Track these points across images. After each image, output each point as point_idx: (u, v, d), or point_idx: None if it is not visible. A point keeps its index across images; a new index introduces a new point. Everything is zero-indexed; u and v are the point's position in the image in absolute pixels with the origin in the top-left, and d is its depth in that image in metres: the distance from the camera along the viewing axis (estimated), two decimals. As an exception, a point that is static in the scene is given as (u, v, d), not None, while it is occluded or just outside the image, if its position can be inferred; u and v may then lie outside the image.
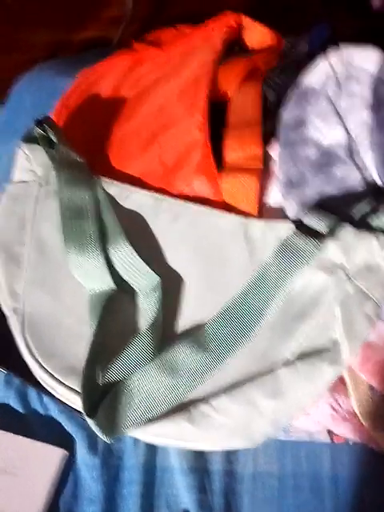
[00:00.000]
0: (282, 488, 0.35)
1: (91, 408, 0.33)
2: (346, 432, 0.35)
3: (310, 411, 0.35)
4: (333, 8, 0.62)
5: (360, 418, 0.34)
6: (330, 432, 0.36)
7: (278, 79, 0.48)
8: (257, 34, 0.54)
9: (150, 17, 0.95)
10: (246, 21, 0.54)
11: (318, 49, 0.49)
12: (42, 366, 0.37)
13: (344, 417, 0.34)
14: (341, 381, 0.35)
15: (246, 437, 0.33)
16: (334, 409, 0.35)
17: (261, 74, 0.49)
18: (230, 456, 0.37)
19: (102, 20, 0.97)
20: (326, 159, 0.39)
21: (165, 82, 0.51)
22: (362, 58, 0.40)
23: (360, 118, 0.39)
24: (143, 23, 0.94)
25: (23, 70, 0.67)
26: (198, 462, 0.37)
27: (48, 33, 0.92)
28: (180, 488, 0.36)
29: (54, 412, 0.39)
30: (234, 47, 0.55)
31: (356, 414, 0.34)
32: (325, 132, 0.39)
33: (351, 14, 0.60)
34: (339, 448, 0.35)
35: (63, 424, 0.39)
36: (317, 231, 0.35)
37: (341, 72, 0.40)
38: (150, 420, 0.33)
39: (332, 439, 0.36)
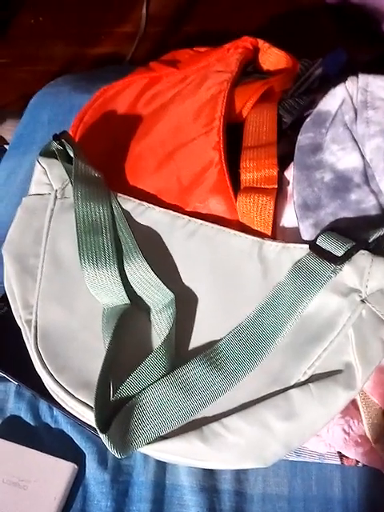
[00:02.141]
0: (292, 510, 0.35)
1: (104, 424, 0.33)
2: (357, 455, 0.35)
3: (321, 434, 0.35)
4: (347, 34, 0.64)
5: (372, 441, 0.34)
6: (340, 454, 0.35)
7: (293, 102, 0.49)
8: (272, 57, 0.55)
9: (163, 34, 0.97)
10: (262, 43, 0.55)
11: (334, 74, 0.50)
12: (54, 379, 0.37)
13: (356, 440, 0.34)
14: (353, 404, 0.35)
15: (258, 457, 0.33)
16: (345, 432, 0.35)
17: (276, 94, 0.50)
18: (239, 476, 0.36)
19: (116, 36, 0.99)
20: (342, 183, 0.39)
21: (181, 100, 0.52)
22: (378, 86, 0.41)
23: (375, 144, 0.39)
24: (157, 40, 0.96)
25: (38, 82, 0.69)
26: (208, 480, 0.36)
27: (64, 47, 0.94)
28: (189, 507, 0.36)
29: (65, 425, 0.39)
30: (249, 68, 0.56)
31: (368, 437, 0.34)
32: (341, 156, 0.40)
33: (365, 41, 0.61)
34: (349, 471, 0.35)
35: (73, 438, 0.39)
36: (332, 254, 0.36)
37: (358, 99, 0.41)
38: (162, 437, 0.33)
39: (342, 462, 0.36)
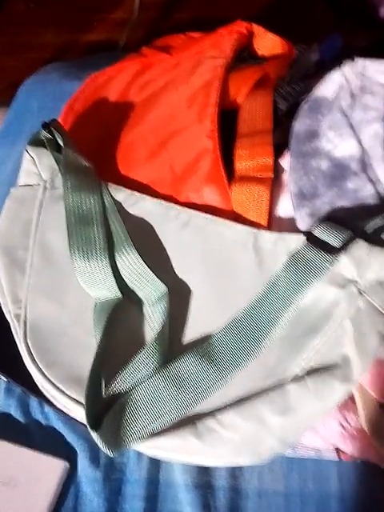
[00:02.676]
0: (288, 506, 0.34)
1: (95, 420, 0.32)
2: (354, 450, 0.34)
3: (318, 428, 0.34)
4: (343, 19, 0.62)
5: (369, 435, 0.33)
6: (337, 450, 0.35)
7: (289, 88, 0.48)
8: (267, 42, 0.54)
9: (156, 21, 0.95)
10: (257, 28, 0.54)
11: (330, 59, 0.49)
12: (44, 375, 0.36)
13: (352, 434, 0.34)
14: (350, 398, 0.34)
15: (253, 453, 0.33)
16: (342, 426, 0.34)
17: (271, 81, 0.49)
18: (235, 472, 0.36)
19: (108, 22, 0.97)
20: (339, 171, 0.38)
21: (174, 87, 0.51)
22: (376, 71, 0.40)
23: (373, 131, 0.38)
24: (149, 27, 0.94)
25: (29, 70, 0.67)
26: (203, 477, 0.36)
27: (56, 34, 0.92)
28: (184, 504, 0.35)
29: (56, 422, 0.39)
30: (244, 54, 0.55)
31: (365, 431, 0.34)
32: (337, 144, 0.39)
33: (361, 26, 0.59)
34: (346, 466, 0.35)
35: (65, 435, 0.38)
36: (329, 245, 0.35)
37: (355, 84, 0.40)
38: (155, 434, 0.33)
39: (339, 456, 0.35)
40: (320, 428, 0.34)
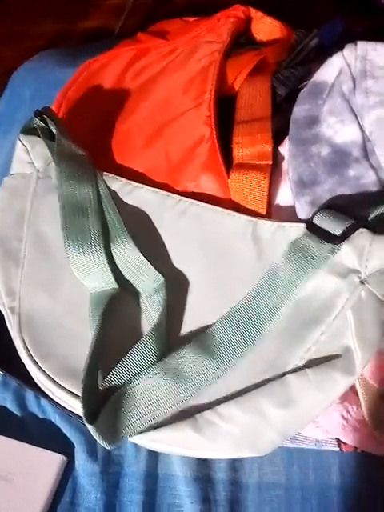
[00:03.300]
0: (289, 499, 0.34)
1: (91, 414, 0.31)
2: (356, 441, 0.34)
3: (319, 420, 0.34)
4: (344, 4, 0.61)
5: (371, 427, 0.33)
6: (338, 441, 0.34)
7: (288, 73, 0.47)
8: (265, 27, 0.53)
9: (152, 8, 0.94)
10: (255, 13, 0.53)
11: (330, 44, 0.48)
12: (39, 368, 0.35)
13: (354, 426, 0.33)
14: (351, 389, 0.34)
15: (253, 446, 0.32)
16: (344, 418, 0.34)
17: (270, 66, 0.48)
18: (234, 464, 0.35)
19: (103, 9, 0.95)
20: (340, 158, 0.37)
21: (170, 73, 0.50)
22: (378, 54, 0.39)
23: (375, 116, 0.37)
24: (145, 14, 0.92)
25: (24, 59, 0.66)
26: (202, 470, 0.35)
27: (50, 22, 0.91)
28: (183, 497, 0.35)
29: (53, 416, 0.38)
30: (241, 39, 0.54)
31: (366, 423, 0.33)
32: (338, 130, 0.38)
33: (361, 12, 0.58)
34: (347, 457, 0.34)
35: (62, 428, 0.38)
36: (330, 233, 0.34)
37: (356, 68, 0.39)
38: (154, 426, 0.32)
39: (340, 448, 0.34)
40: (321, 419, 0.34)
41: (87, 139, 0.46)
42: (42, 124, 0.43)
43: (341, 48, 0.41)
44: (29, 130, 0.43)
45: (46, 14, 0.93)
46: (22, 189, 0.42)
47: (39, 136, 0.43)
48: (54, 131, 0.42)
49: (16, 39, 0.92)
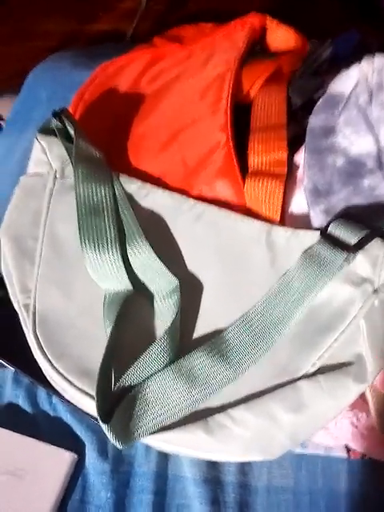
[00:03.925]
0: (297, 503, 0.34)
1: (106, 413, 0.32)
2: (364, 448, 0.34)
3: (328, 426, 0.34)
4: (360, 16, 0.61)
5: (380, 432, 0.33)
6: (346, 447, 0.35)
7: (303, 82, 0.47)
8: (281, 36, 0.53)
9: (164, 12, 0.94)
10: (270, 21, 0.53)
11: (345, 55, 0.48)
12: (53, 366, 0.36)
13: (363, 433, 0.34)
14: (361, 396, 0.34)
15: (264, 450, 0.32)
16: (353, 425, 0.34)
17: (285, 75, 0.49)
18: (244, 467, 0.36)
19: (115, 12, 0.95)
20: (355, 168, 0.38)
21: (186, 78, 0.50)
22: (395, 67, 0.39)
23: (391, 130, 0.38)
24: (158, 18, 0.93)
25: (33, 59, 0.66)
26: (212, 472, 0.36)
27: (61, 23, 0.91)
28: (192, 498, 0.35)
29: (64, 414, 0.38)
30: (256, 48, 0.54)
31: (376, 430, 0.33)
32: (354, 140, 0.39)
33: (363, 15, 0.59)
34: (356, 464, 0.35)
35: (73, 426, 0.38)
36: (344, 242, 0.35)
37: (373, 80, 0.39)
38: (165, 428, 0.32)
39: (349, 455, 0.35)
40: (331, 426, 0.34)
41: (102, 141, 0.46)
42: (59, 125, 0.43)
43: (357, 59, 0.42)
44: (46, 131, 0.43)
45: (53, 14, 0.93)
46: (38, 188, 0.42)
47: (57, 136, 0.43)
48: (72, 132, 0.43)
49: (23, 38, 0.92)
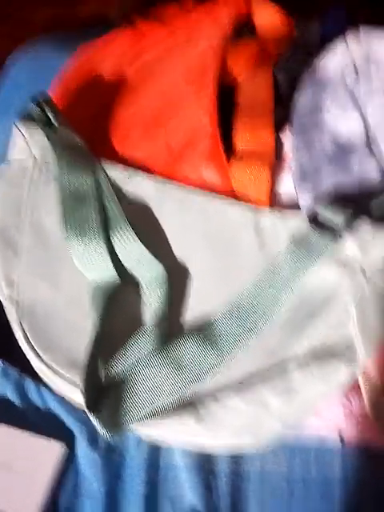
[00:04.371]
0: (291, 490, 0.34)
1: (93, 403, 0.31)
2: (358, 434, 0.34)
3: (321, 413, 0.34)
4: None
5: (373, 420, 0.33)
6: (340, 434, 0.34)
7: (290, 63, 0.46)
8: (267, 16, 0.52)
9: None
10: (256, 1, 0.52)
11: (334, 32, 0.47)
12: (40, 358, 0.35)
13: (357, 420, 0.33)
14: (354, 382, 0.34)
15: (255, 436, 0.32)
16: (346, 411, 0.34)
17: (271, 57, 0.48)
18: (237, 455, 0.36)
19: (99, -5, 0.93)
20: (342, 148, 0.37)
21: (169, 61, 0.49)
22: (381, 43, 0.38)
23: (378, 105, 0.37)
24: (142, 0, 0.91)
25: (18, 45, 0.64)
26: (204, 460, 0.35)
27: (46, 8, 0.89)
28: (185, 487, 0.35)
29: (53, 405, 0.38)
30: (243, 29, 0.53)
31: (369, 416, 0.33)
32: (341, 119, 0.38)
33: (365, 2, 0.57)
34: (350, 452, 0.34)
35: (62, 417, 0.38)
36: (331, 223, 0.34)
37: (359, 57, 0.38)
38: (155, 416, 0.32)
39: (343, 442, 0.35)
40: (324, 413, 0.34)
41: (85, 127, 0.45)
42: (39, 111, 0.42)
43: (344, 36, 0.41)
44: (26, 117, 0.42)
45: (41, 1, 0.91)
46: (19, 177, 0.41)
47: (37, 122, 0.42)
48: (52, 118, 0.42)
49: (6, 24, 0.90)
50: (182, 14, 0.53)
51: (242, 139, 0.40)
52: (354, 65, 0.39)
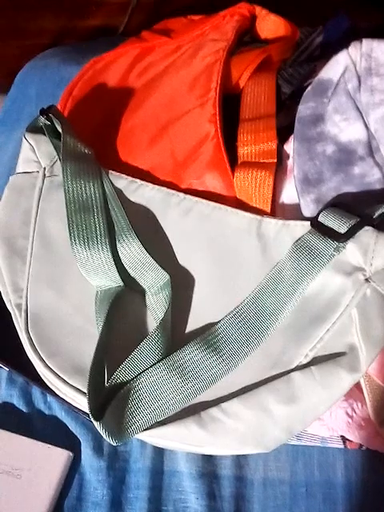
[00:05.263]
0: (294, 495, 0.34)
1: (98, 410, 0.32)
2: (361, 439, 0.34)
3: (324, 417, 0.34)
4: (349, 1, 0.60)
5: (375, 424, 0.33)
6: (343, 438, 0.34)
7: (293, 71, 0.47)
8: (270, 24, 0.53)
9: (157, 6, 0.93)
10: (259, 10, 0.53)
11: (336, 41, 0.48)
12: (46, 365, 0.36)
13: (359, 424, 0.33)
14: (357, 387, 0.34)
15: (258, 443, 0.32)
16: (349, 415, 0.34)
17: (275, 65, 0.48)
18: (240, 461, 0.36)
19: (107, 7, 0.95)
20: (345, 156, 0.37)
21: (174, 71, 0.50)
22: (383, 52, 0.38)
23: (380, 114, 0.37)
24: (150, 12, 0.92)
25: (28, 57, 0.66)
26: (207, 466, 0.35)
27: (54, 19, 0.90)
28: (188, 493, 0.35)
29: (59, 412, 0.38)
30: (245, 37, 0.53)
31: (371, 420, 0.33)
32: (343, 127, 0.38)
33: (370, 8, 0.58)
34: (353, 455, 0.34)
35: (68, 424, 0.38)
36: (335, 231, 0.34)
37: (361, 65, 0.39)
38: (159, 423, 0.32)
39: (345, 445, 0.34)
40: (326, 417, 0.34)
41: (92, 137, 0.46)
42: (47, 122, 0.43)
43: (346, 45, 0.41)
44: (35, 129, 0.43)
45: (45, 10, 0.93)
46: (28, 187, 0.42)
47: (45, 134, 0.43)
48: (60, 129, 0.42)
49: (16, 35, 0.91)
50: (188, 27, 0.54)
51: (245, 147, 0.41)
52: (357, 73, 0.39)
